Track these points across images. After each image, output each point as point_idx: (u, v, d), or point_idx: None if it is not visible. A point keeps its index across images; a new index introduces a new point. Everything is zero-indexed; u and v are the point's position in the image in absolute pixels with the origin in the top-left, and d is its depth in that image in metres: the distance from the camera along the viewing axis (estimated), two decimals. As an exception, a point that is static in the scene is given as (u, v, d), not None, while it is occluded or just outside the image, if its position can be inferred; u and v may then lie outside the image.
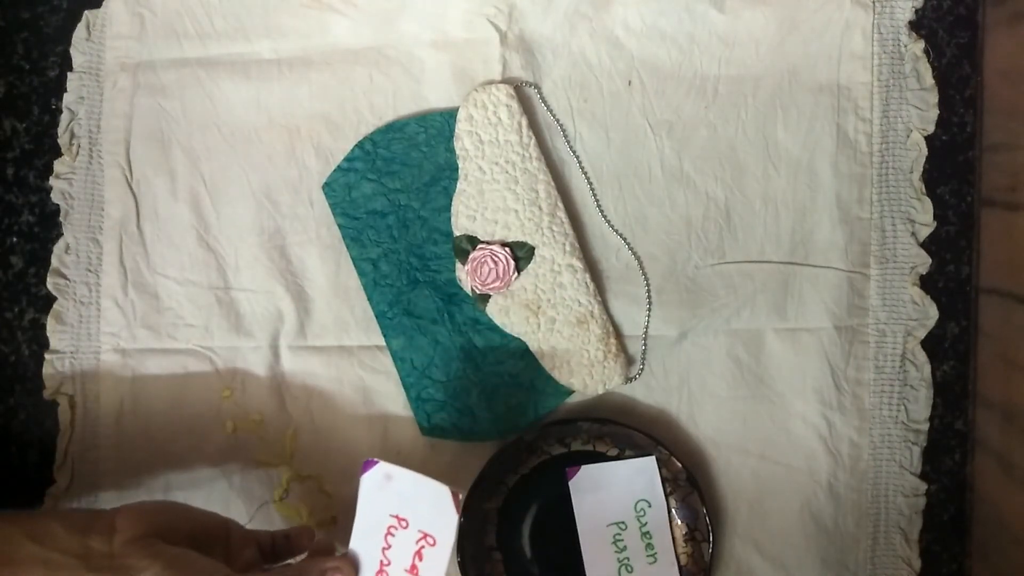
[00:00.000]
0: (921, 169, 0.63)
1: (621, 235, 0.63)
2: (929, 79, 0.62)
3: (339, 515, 0.63)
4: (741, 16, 0.63)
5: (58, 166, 0.65)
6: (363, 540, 0.54)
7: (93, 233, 0.65)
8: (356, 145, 0.63)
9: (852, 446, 0.63)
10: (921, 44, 0.63)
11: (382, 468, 0.54)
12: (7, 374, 0.65)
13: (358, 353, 0.64)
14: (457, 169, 0.62)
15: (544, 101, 0.64)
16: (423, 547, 0.53)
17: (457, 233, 0.62)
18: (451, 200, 0.62)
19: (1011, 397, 0.60)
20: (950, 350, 0.64)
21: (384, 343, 0.63)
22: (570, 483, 0.61)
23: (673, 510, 0.61)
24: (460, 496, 0.53)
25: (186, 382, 0.64)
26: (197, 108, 0.65)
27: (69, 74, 0.65)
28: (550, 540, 0.62)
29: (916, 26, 0.63)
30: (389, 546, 0.53)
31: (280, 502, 0.63)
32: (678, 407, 0.63)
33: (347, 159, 0.63)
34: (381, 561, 0.53)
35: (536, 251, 0.62)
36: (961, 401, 0.64)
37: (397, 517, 0.53)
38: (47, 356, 0.64)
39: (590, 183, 0.64)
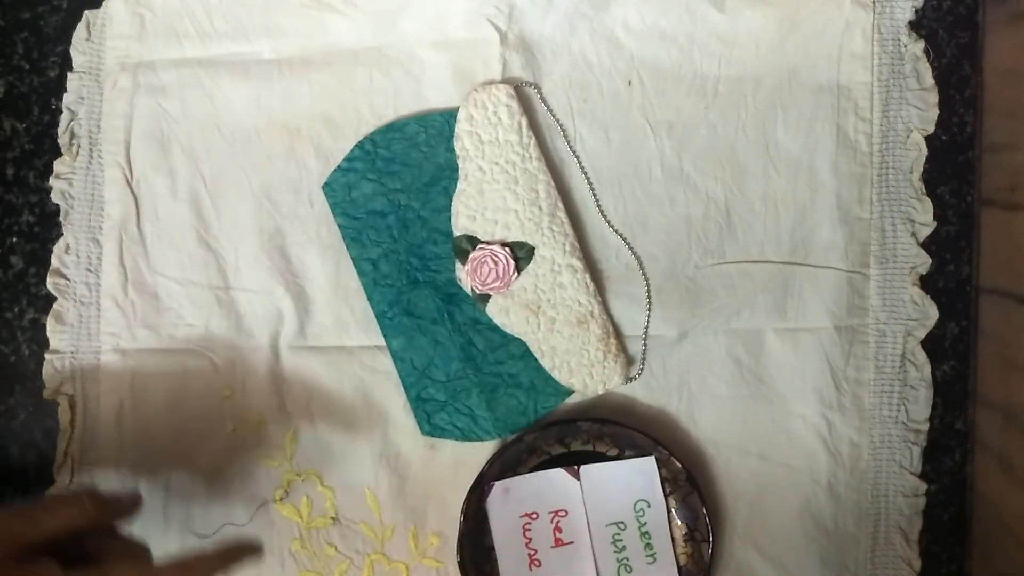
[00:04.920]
0: (921, 169, 0.63)
1: (621, 235, 0.63)
2: (929, 79, 0.62)
3: (339, 515, 0.63)
4: (741, 16, 0.63)
5: (58, 166, 0.65)
6: (506, 547, 0.61)
7: (93, 233, 0.64)
8: (356, 145, 0.63)
9: (852, 446, 0.63)
10: (921, 44, 0.63)
11: (500, 485, 0.61)
12: (7, 374, 0.65)
13: (358, 353, 0.64)
14: (457, 169, 0.62)
15: (544, 101, 0.64)
16: (558, 521, 0.61)
17: (457, 233, 0.62)
18: (451, 200, 0.62)
19: (1011, 397, 0.60)
20: (950, 350, 0.64)
21: (384, 343, 0.63)
22: (570, 483, 0.62)
23: (673, 510, 0.61)
24: (576, 467, 0.60)
25: (186, 382, 0.64)
26: (197, 108, 0.64)
27: (69, 74, 0.65)
28: (550, 540, 0.62)
29: (916, 26, 0.63)
30: (530, 539, 0.61)
31: (280, 502, 0.64)
32: (678, 407, 0.63)
33: (347, 159, 0.63)
34: (528, 554, 0.60)
35: (536, 251, 0.62)
36: (961, 401, 0.64)
37: (527, 515, 0.61)
38: (47, 356, 0.64)
39: (590, 183, 0.64)
